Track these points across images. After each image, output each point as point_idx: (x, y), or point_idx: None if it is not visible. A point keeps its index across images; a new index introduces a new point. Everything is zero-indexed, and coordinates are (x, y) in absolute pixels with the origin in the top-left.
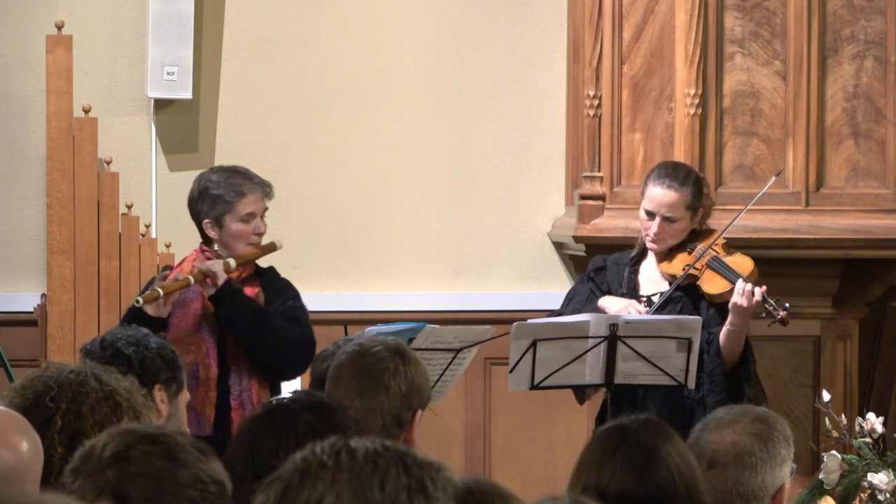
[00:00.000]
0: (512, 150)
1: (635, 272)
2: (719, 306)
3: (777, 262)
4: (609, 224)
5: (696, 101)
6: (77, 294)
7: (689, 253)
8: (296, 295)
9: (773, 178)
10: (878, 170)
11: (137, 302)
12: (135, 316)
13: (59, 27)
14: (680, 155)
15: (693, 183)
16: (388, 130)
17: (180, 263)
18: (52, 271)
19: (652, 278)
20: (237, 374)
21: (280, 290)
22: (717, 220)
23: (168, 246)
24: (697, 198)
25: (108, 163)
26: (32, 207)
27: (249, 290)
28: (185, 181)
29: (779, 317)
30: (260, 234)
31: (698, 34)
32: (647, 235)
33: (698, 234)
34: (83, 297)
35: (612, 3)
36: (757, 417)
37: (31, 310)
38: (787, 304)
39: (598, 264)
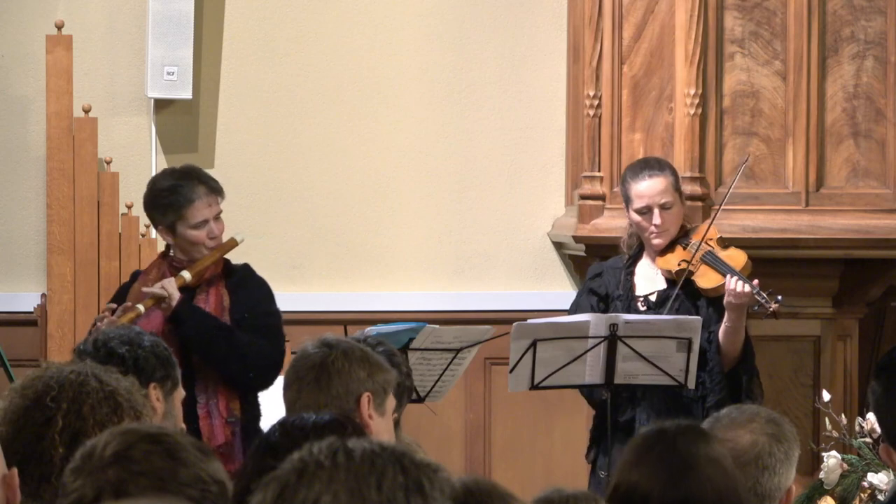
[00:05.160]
0: (512, 150)
1: (631, 273)
2: (716, 303)
3: (777, 262)
4: (609, 224)
5: (696, 101)
6: (77, 294)
7: (684, 248)
8: (268, 298)
9: (747, 159)
10: (878, 170)
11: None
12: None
13: (59, 27)
14: (680, 155)
15: (668, 166)
16: (388, 130)
17: (147, 269)
18: (52, 271)
19: (647, 277)
20: (203, 384)
21: (251, 292)
22: (717, 220)
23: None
24: (677, 178)
25: (108, 163)
26: (32, 207)
27: (214, 293)
28: None
29: (771, 309)
30: (215, 238)
31: (698, 34)
32: (651, 232)
33: (691, 231)
34: (83, 297)
35: (612, 3)
36: (769, 418)
37: (31, 310)
38: (780, 297)
39: (594, 271)
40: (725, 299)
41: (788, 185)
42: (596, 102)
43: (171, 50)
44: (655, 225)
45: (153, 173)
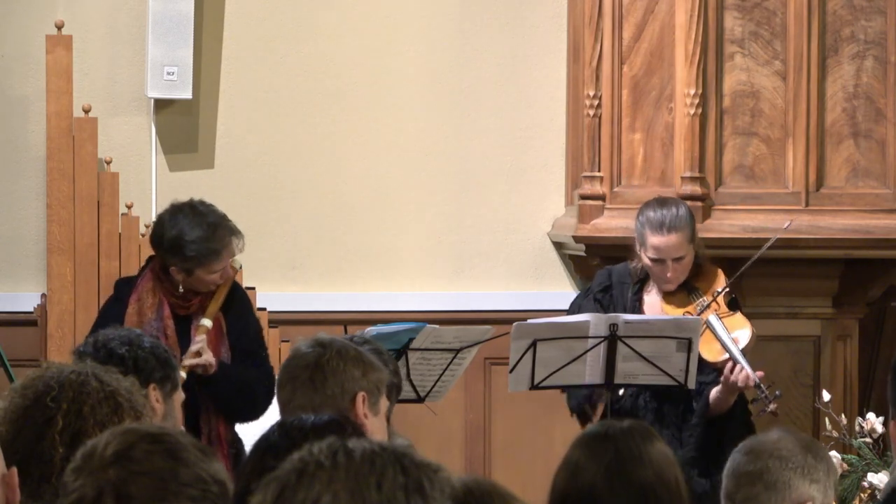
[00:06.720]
0: (512, 150)
1: (639, 300)
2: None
3: (777, 262)
4: (609, 224)
5: (696, 101)
6: (77, 294)
7: (691, 297)
8: (253, 314)
9: (788, 224)
10: (878, 170)
11: None
12: None
13: (59, 27)
14: (680, 155)
15: (685, 213)
16: (388, 130)
17: (138, 292)
18: (52, 271)
19: (655, 310)
20: (207, 415)
21: (240, 311)
22: (717, 221)
23: None
24: (694, 226)
25: (108, 163)
26: (32, 207)
27: (214, 321)
28: (185, 181)
29: (770, 409)
30: (225, 276)
31: (698, 34)
32: (660, 279)
33: (700, 269)
34: (83, 297)
35: (612, 3)
36: (807, 438)
37: (31, 310)
38: (779, 392)
39: (603, 283)
40: (724, 377)
41: (788, 184)
42: (596, 102)
43: (171, 50)
44: (668, 276)
45: (153, 173)
